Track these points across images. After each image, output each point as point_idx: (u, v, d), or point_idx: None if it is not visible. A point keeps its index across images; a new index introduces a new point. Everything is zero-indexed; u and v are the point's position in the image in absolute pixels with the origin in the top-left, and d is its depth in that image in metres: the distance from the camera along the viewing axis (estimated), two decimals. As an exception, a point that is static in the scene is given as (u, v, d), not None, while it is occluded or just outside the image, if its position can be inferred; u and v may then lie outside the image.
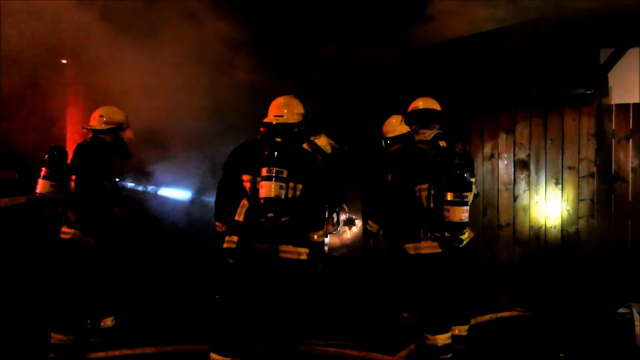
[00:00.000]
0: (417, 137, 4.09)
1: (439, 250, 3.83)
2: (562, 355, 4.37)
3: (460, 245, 3.86)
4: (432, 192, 3.82)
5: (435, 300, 3.92)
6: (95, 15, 5.11)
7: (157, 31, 5.35)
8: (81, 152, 4.22)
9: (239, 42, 5.67)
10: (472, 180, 3.95)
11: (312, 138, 4.33)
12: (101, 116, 4.34)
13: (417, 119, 4.12)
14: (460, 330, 4.11)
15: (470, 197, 3.84)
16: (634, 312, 4.99)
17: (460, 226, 3.75)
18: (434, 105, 4.15)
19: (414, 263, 3.91)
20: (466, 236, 3.95)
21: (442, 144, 3.98)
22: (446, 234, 3.78)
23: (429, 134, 4.03)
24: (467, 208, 3.75)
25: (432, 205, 3.81)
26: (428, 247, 3.85)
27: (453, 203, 3.70)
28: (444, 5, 6.08)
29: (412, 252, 3.90)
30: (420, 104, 4.15)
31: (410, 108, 4.20)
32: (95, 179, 4.14)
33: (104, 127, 4.31)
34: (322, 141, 4.46)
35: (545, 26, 5.76)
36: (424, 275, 3.91)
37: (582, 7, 5.66)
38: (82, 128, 4.46)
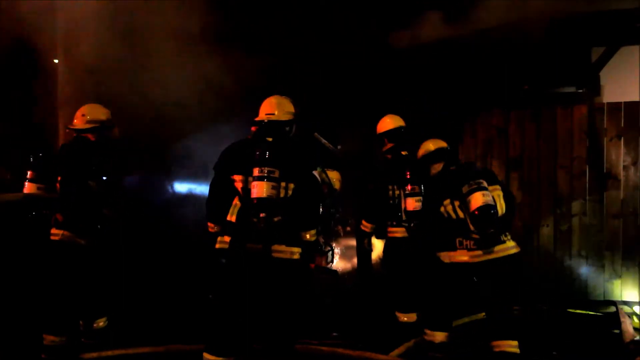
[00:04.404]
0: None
1: (472, 259, 3.83)
2: (554, 353, 4.40)
3: (499, 249, 3.79)
4: (457, 203, 3.85)
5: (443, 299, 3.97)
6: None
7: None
8: (64, 152, 4.19)
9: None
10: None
11: (326, 169, 4.36)
12: (83, 115, 4.27)
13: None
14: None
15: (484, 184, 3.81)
16: (619, 309, 5.03)
17: (487, 211, 3.67)
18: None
19: (448, 270, 3.93)
20: (510, 244, 3.86)
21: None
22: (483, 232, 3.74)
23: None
24: (486, 192, 3.71)
25: (461, 215, 3.84)
26: (463, 255, 3.85)
27: (470, 192, 3.71)
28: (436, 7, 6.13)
29: (446, 260, 3.92)
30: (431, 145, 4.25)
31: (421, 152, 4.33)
32: (78, 178, 4.08)
33: (86, 126, 4.24)
34: (335, 175, 4.48)
35: (537, 25, 5.78)
36: (453, 280, 3.92)
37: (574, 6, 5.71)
38: (66, 128, 4.42)
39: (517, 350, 3.75)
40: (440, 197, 3.93)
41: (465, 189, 3.74)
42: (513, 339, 3.78)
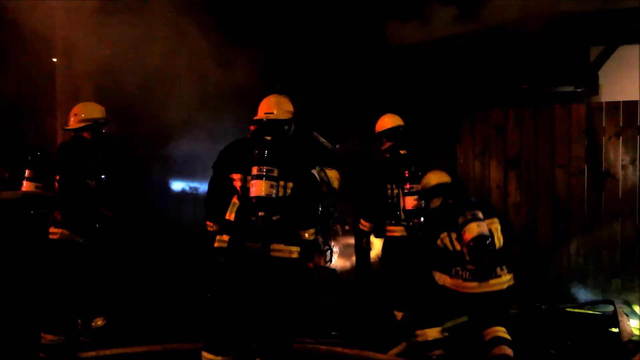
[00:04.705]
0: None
1: (464, 290, 3.89)
2: (553, 352, 4.41)
3: (494, 282, 3.86)
4: (454, 235, 3.92)
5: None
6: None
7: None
8: (62, 151, 4.20)
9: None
10: None
11: (325, 168, 4.38)
12: (76, 114, 4.27)
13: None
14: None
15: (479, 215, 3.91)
16: (617, 308, 5.03)
17: (481, 241, 3.77)
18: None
19: (437, 290, 4.01)
20: (505, 278, 3.91)
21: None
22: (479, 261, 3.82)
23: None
24: (481, 223, 3.82)
25: (457, 247, 3.91)
26: (456, 284, 3.93)
27: (465, 223, 3.80)
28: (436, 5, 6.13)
29: (440, 282, 4.00)
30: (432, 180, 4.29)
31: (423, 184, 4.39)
32: (76, 177, 4.08)
33: (80, 125, 4.24)
34: (333, 174, 4.50)
35: (536, 25, 5.79)
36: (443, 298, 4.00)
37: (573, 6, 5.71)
38: (62, 129, 4.44)
39: (508, 337, 3.82)
40: (438, 230, 4.03)
41: (460, 220, 3.82)
42: (501, 326, 3.86)
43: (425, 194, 4.27)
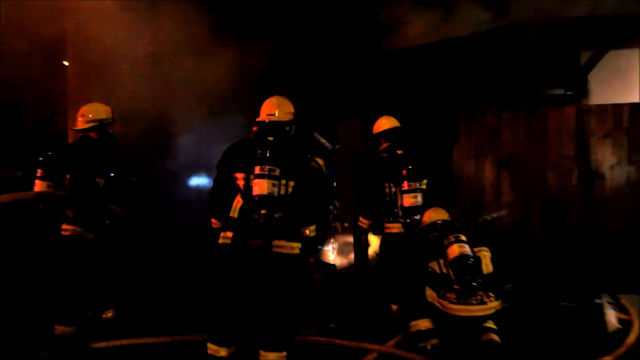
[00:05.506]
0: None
1: (450, 312, 4.04)
2: (547, 347, 4.52)
3: (479, 309, 4.00)
4: (442, 261, 4.13)
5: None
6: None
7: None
8: (71, 151, 4.34)
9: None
10: None
11: (313, 157, 4.51)
12: (83, 115, 4.40)
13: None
14: None
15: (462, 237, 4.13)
16: (604, 301, 5.16)
17: (463, 260, 3.98)
18: None
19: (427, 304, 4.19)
20: (492, 305, 4.04)
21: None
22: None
23: None
24: (463, 244, 4.05)
25: (445, 270, 4.10)
26: (443, 302, 4.08)
27: (448, 245, 4.06)
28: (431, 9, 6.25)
29: (429, 299, 4.16)
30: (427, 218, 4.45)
31: None
32: (85, 176, 4.22)
33: (86, 125, 4.38)
34: (321, 161, 4.61)
35: (528, 29, 5.92)
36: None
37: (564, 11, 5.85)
38: (71, 129, 4.55)
39: (494, 326, 4.00)
40: (428, 260, 4.22)
41: (445, 243, 4.05)
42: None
43: (423, 230, 4.43)
